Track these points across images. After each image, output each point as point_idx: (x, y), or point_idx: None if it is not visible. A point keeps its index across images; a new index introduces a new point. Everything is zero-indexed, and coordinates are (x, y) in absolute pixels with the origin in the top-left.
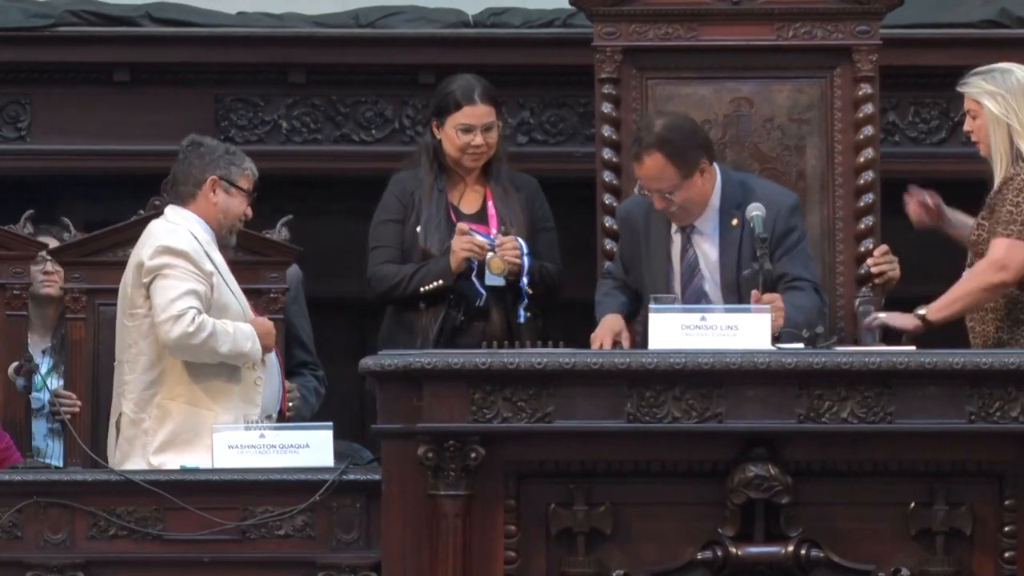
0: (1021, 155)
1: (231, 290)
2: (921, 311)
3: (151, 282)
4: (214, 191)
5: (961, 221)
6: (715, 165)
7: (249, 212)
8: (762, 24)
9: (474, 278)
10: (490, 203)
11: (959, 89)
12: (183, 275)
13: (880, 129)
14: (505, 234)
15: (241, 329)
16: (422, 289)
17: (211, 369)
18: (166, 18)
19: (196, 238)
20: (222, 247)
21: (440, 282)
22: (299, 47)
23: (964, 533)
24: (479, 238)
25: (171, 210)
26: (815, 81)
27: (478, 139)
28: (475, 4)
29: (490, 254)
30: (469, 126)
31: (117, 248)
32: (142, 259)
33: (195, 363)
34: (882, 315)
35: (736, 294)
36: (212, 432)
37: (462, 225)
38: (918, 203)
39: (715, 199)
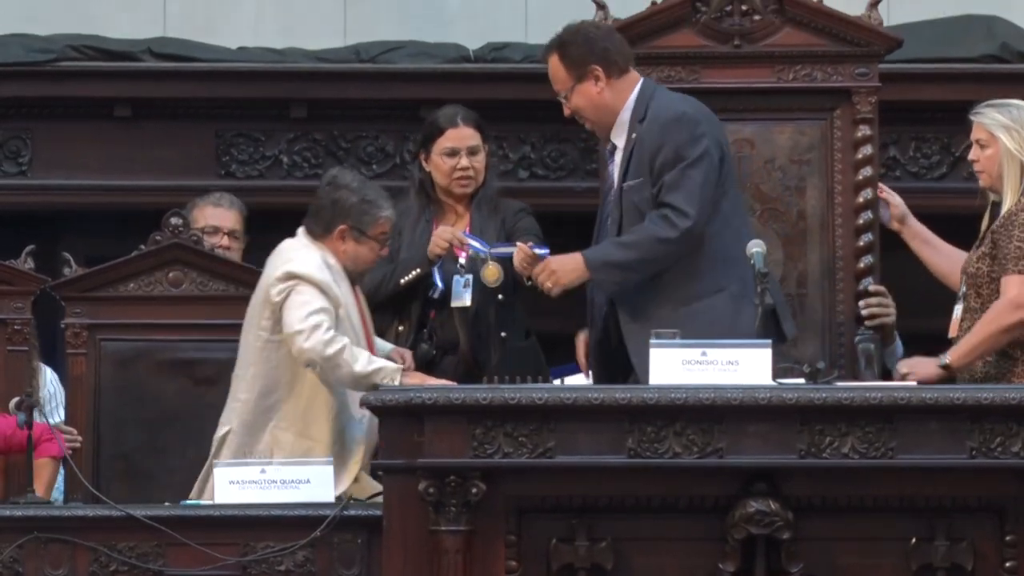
0: None
1: (353, 325)
2: (945, 360)
3: (284, 300)
4: (343, 239)
5: (930, 239)
6: (639, 81)
7: (384, 254)
8: (763, 67)
9: (435, 269)
10: (467, 231)
11: (971, 118)
12: (315, 295)
13: (880, 167)
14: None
15: (378, 359)
16: (402, 281)
17: (321, 404)
18: (167, 53)
19: (328, 266)
20: (353, 282)
21: (418, 271)
22: (300, 82)
23: (965, 569)
24: (470, 241)
25: (303, 235)
26: (815, 123)
27: (464, 161)
28: (476, 39)
29: (489, 264)
30: (454, 149)
31: (118, 283)
32: (273, 279)
33: (309, 397)
34: (904, 367)
35: (636, 212)
36: (214, 468)
37: (445, 228)
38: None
39: (625, 114)
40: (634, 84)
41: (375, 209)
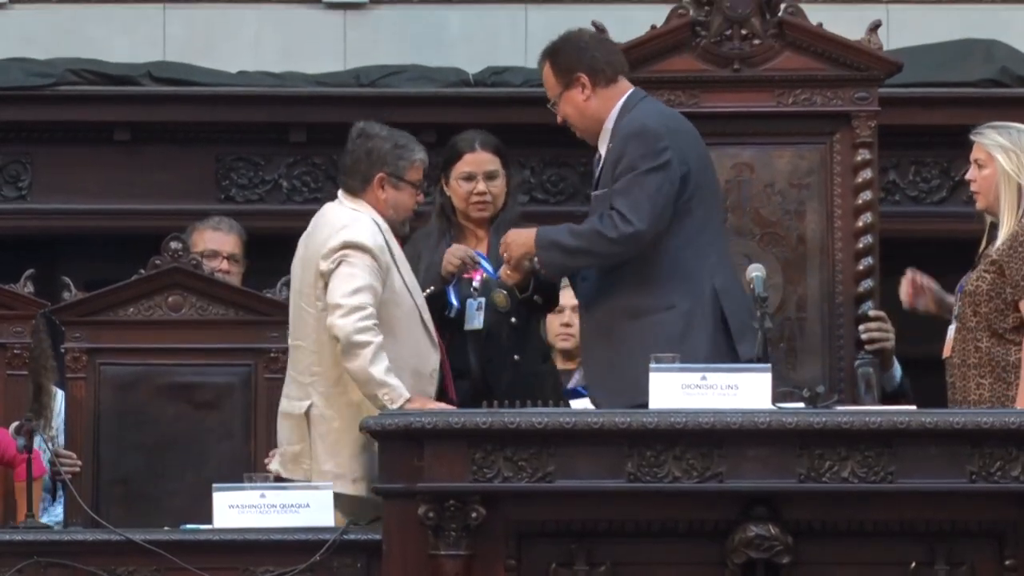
0: None
1: (406, 283)
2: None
3: (334, 270)
4: (382, 188)
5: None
6: (626, 91)
7: (421, 199)
8: (762, 91)
9: (450, 288)
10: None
11: (972, 137)
12: (366, 271)
13: (879, 192)
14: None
15: (396, 381)
16: None
17: (394, 364)
18: (167, 77)
19: (379, 226)
20: (396, 233)
21: (432, 288)
22: (300, 106)
23: None
24: (483, 263)
25: (345, 197)
26: (815, 147)
27: (480, 186)
28: (476, 63)
29: (496, 290)
30: (471, 173)
31: (118, 307)
32: (326, 250)
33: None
34: None
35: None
36: (214, 492)
37: (459, 246)
38: (911, 282)
39: (609, 123)
40: (622, 94)
41: (409, 153)
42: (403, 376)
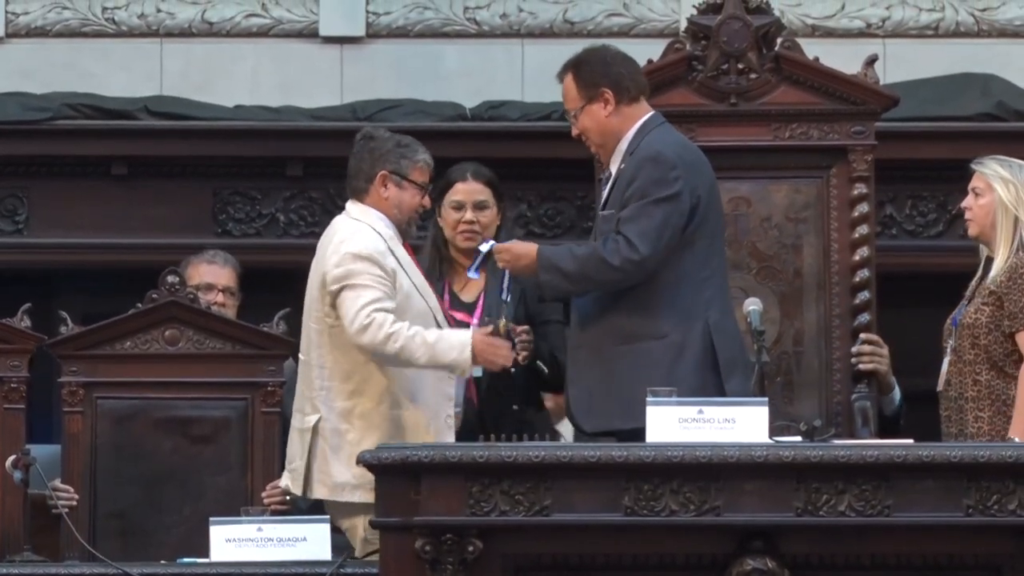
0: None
1: (415, 285)
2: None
3: (338, 292)
4: (385, 186)
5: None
6: (646, 113)
7: (427, 203)
8: (759, 125)
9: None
10: (482, 295)
11: (973, 166)
12: (369, 281)
13: (876, 226)
14: (490, 326)
15: (446, 338)
16: None
17: (404, 370)
18: (164, 112)
19: (380, 234)
20: (404, 237)
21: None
22: (297, 140)
23: None
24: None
25: (351, 205)
26: (812, 181)
27: (468, 215)
28: (473, 97)
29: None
30: (460, 203)
31: (115, 341)
32: (327, 267)
33: (390, 367)
34: None
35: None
36: (210, 526)
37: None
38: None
39: (624, 143)
40: (642, 115)
41: (412, 152)
42: (423, 375)
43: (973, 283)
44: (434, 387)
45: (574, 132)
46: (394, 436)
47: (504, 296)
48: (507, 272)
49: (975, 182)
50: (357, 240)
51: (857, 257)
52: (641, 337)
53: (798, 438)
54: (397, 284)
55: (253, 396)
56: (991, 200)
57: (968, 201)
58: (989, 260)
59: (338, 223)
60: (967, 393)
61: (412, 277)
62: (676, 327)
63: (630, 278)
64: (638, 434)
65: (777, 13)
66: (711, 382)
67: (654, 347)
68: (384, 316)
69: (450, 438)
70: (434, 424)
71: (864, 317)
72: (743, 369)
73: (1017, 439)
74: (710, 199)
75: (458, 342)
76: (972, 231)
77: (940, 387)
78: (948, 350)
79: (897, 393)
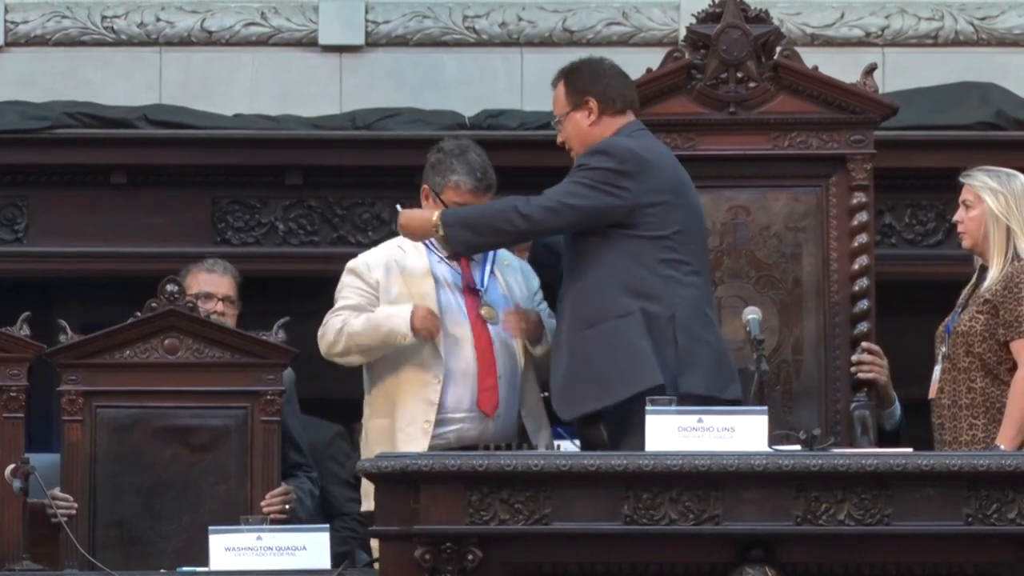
0: (1019, 255)
1: (411, 294)
2: (1000, 448)
3: None
4: (427, 199)
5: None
6: (626, 124)
7: None
8: (758, 134)
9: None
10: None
11: (961, 179)
12: (347, 294)
13: (875, 235)
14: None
15: (386, 310)
16: None
17: (392, 381)
18: (163, 120)
19: (401, 247)
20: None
21: None
22: (296, 149)
23: None
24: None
25: None
26: (811, 189)
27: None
28: (471, 106)
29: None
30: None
31: (114, 350)
32: None
33: (383, 380)
34: None
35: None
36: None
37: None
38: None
39: None
40: (623, 124)
41: (445, 171)
42: (405, 383)
43: (966, 291)
44: (416, 393)
45: (559, 139)
46: (370, 445)
47: (482, 283)
48: (488, 259)
49: (964, 195)
50: (362, 255)
51: (856, 266)
52: (605, 318)
53: (797, 447)
54: (383, 293)
55: (252, 405)
56: (981, 212)
57: (959, 214)
58: (983, 268)
59: None
60: (961, 400)
61: (414, 287)
62: (637, 302)
63: (522, 230)
64: (614, 410)
65: (776, 22)
66: (668, 368)
67: (619, 324)
68: (331, 318)
69: (423, 444)
70: (409, 429)
71: (863, 326)
72: (703, 373)
73: (1003, 447)
74: (679, 203)
75: (399, 311)
76: (966, 244)
77: (932, 394)
78: (940, 357)
79: (897, 408)
